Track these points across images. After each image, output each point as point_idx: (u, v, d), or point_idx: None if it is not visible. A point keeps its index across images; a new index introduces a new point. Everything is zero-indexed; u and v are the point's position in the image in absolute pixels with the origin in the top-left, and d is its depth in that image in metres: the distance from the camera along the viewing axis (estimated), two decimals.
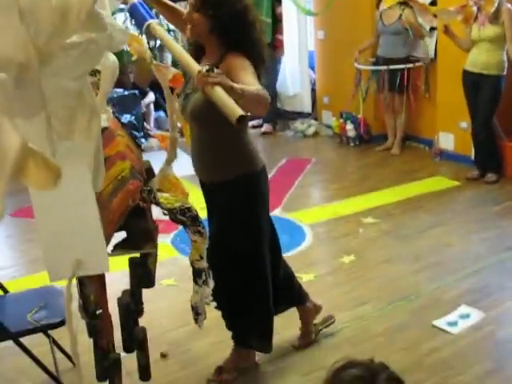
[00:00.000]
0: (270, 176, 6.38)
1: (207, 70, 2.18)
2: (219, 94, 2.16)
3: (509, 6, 5.60)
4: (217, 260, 2.75)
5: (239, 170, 2.39)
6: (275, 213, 5.59)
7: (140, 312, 2.55)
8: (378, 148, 7.31)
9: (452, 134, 6.65)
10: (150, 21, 2.57)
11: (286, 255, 4.62)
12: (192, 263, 2.42)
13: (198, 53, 2.90)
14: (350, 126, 7.57)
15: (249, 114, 2.27)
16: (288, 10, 8.20)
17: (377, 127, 7.60)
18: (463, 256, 4.50)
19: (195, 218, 2.32)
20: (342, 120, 7.73)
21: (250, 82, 2.57)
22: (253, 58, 2.75)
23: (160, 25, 2.60)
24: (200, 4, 2.72)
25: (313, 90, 8.68)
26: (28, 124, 1.11)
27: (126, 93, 8.02)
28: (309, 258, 4.69)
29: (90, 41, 1.30)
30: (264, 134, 8.44)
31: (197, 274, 2.42)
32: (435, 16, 5.95)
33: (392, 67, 6.78)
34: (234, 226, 2.98)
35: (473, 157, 6.28)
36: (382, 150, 7.28)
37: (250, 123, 8.88)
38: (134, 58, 4.37)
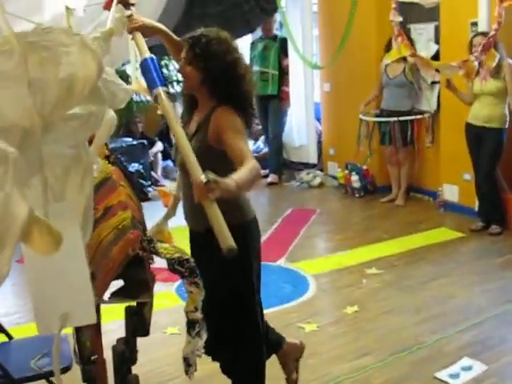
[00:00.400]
0: (274, 226, 6.56)
1: (206, 182, 2.17)
2: (215, 215, 2.15)
3: (510, 61, 5.73)
4: (207, 310, 2.77)
5: (230, 219, 2.34)
6: (279, 263, 5.64)
7: (134, 360, 2.58)
8: (383, 199, 7.37)
9: (456, 186, 6.72)
10: (160, 89, 2.54)
11: (289, 305, 4.70)
12: (186, 314, 2.44)
13: (191, 105, 2.97)
14: (355, 177, 7.65)
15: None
16: (294, 63, 8.37)
17: (381, 178, 7.68)
18: (466, 308, 4.52)
19: (193, 270, 2.35)
20: (347, 171, 7.82)
21: (239, 148, 2.62)
22: (242, 111, 2.81)
23: (168, 94, 2.58)
24: (192, 57, 2.79)
25: (319, 142, 8.80)
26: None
27: (135, 142, 8.17)
28: (312, 308, 4.70)
29: (90, 113, 1.39)
30: (270, 184, 8.53)
31: (190, 325, 2.44)
32: (437, 71, 6.07)
33: (402, 119, 6.89)
34: (225, 276, 2.91)
35: (477, 208, 6.33)
36: (386, 201, 7.33)
37: None
38: (159, 112, 4.48)
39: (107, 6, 3.64)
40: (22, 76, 1.21)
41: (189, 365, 2.52)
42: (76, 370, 2.73)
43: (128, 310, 2.54)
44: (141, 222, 2.59)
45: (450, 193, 6.80)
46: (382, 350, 3.97)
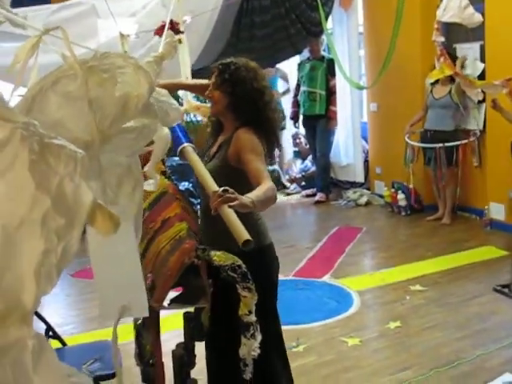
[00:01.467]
0: (321, 243, 6.66)
1: (222, 191, 2.28)
2: (230, 216, 2.28)
3: None
4: (220, 344, 2.81)
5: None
6: (325, 279, 5.74)
7: (193, 364, 2.73)
8: (429, 218, 7.40)
9: (502, 204, 6.72)
10: (185, 144, 2.80)
11: (333, 320, 4.79)
12: (241, 317, 2.52)
13: (217, 129, 3.07)
14: (401, 196, 7.71)
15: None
16: (341, 83, 8.48)
17: (428, 197, 7.71)
18: (508, 324, 4.53)
19: (245, 275, 2.48)
20: (393, 190, 7.88)
21: (256, 168, 2.69)
22: (265, 136, 2.90)
23: (194, 149, 2.84)
24: (220, 82, 2.91)
25: (366, 161, 8.89)
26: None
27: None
28: (355, 323, 4.78)
29: (144, 126, 1.57)
30: (317, 202, 8.64)
31: (245, 327, 2.53)
32: (482, 91, 6.12)
33: (447, 145, 6.92)
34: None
35: None
36: (432, 219, 7.36)
37: (304, 192, 9.13)
38: (204, 120, 4.74)
39: (158, 32, 3.87)
40: (83, 96, 1.40)
41: (245, 365, 2.62)
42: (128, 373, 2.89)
43: (186, 315, 2.70)
44: (196, 233, 2.77)
45: (497, 211, 6.80)
46: (422, 365, 4.03)
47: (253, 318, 2.54)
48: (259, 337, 2.58)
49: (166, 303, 2.61)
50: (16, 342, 1.07)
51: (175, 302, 2.63)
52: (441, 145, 6.95)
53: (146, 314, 1.82)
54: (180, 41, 3.92)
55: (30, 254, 1.09)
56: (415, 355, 4.18)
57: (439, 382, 3.82)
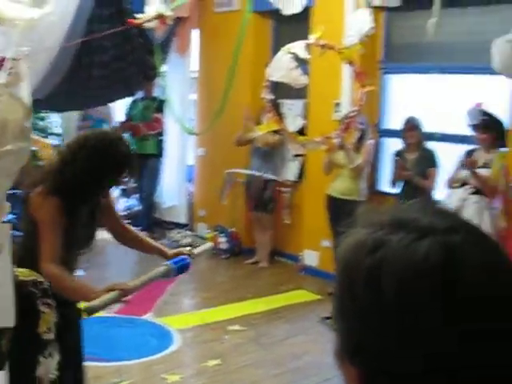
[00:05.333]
0: None
1: None
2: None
3: (371, 141, 6.34)
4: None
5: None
6: (145, 317, 5.81)
7: None
8: (248, 261, 7.73)
9: (316, 252, 7.20)
10: None
11: (154, 357, 4.89)
12: (40, 335, 2.53)
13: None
14: (222, 239, 8.00)
15: None
16: (171, 126, 8.69)
17: (247, 241, 8.06)
18: (319, 363, 4.87)
19: (46, 291, 2.54)
20: (215, 232, 8.15)
21: (49, 249, 2.61)
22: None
23: None
24: None
25: (191, 203, 9.11)
26: None
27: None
28: (176, 361, 4.92)
29: (20, 149, 1.69)
30: None
31: (43, 345, 2.53)
32: (303, 145, 6.60)
33: (266, 177, 7.38)
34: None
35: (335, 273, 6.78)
36: (251, 262, 7.69)
37: None
38: (41, 163, 4.65)
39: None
40: None
41: None
42: None
43: None
44: None
45: (311, 258, 7.26)
46: None
47: (52, 335, 2.55)
48: (57, 356, 2.56)
49: None
50: None
51: None
52: (260, 174, 7.37)
53: (12, 325, 1.88)
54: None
55: None
56: None
57: None
